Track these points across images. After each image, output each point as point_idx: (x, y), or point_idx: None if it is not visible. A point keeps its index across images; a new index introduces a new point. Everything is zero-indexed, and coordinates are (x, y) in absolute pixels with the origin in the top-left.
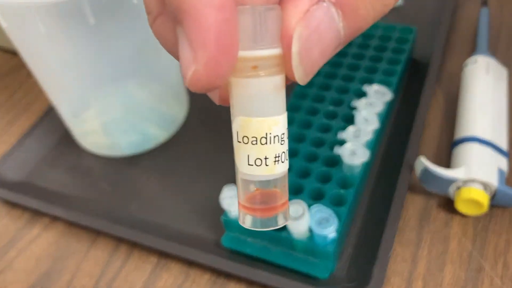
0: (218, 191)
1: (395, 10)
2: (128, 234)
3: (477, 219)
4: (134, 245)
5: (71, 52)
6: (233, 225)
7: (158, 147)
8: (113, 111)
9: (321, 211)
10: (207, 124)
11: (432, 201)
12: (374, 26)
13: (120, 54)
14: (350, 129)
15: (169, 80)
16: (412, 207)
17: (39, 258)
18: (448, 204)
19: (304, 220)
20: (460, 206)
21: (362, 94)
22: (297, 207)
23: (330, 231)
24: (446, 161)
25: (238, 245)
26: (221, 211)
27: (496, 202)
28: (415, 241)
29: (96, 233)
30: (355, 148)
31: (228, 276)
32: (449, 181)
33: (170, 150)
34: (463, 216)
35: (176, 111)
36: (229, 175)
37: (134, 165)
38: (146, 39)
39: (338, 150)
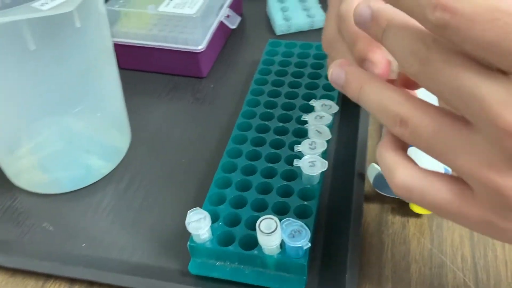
0: (175, 219)
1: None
2: (82, 273)
3: (430, 218)
4: (90, 284)
5: (8, 80)
6: (200, 250)
7: (102, 179)
8: (52, 144)
9: (292, 224)
10: (151, 153)
11: (386, 205)
12: (308, 45)
13: (61, 82)
14: (306, 142)
15: (112, 109)
16: (368, 213)
17: None
18: (401, 207)
19: (277, 234)
20: (415, 207)
21: (309, 109)
22: (270, 222)
23: (304, 242)
24: None
25: (207, 271)
26: (183, 238)
27: None
28: (378, 246)
29: (45, 277)
30: (313, 159)
31: None
32: None
33: (115, 181)
34: (417, 216)
35: (119, 142)
36: (181, 202)
37: (77, 200)
38: (89, 65)
39: (298, 162)
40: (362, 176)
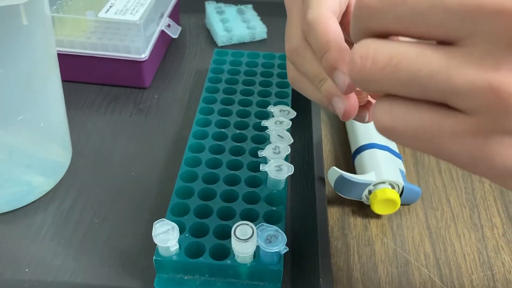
0: (131, 235)
1: (262, 42)
2: None
3: (390, 218)
4: None
5: None
6: (167, 264)
7: (43, 198)
8: None
9: (266, 229)
10: (95, 168)
11: (346, 208)
12: (255, 55)
13: (2, 87)
14: (269, 147)
15: (54, 120)
16: (330, 217)
17: None
18: (361, 209)
19: (253, 241)
20: (377, 208)
21: (265, 116)
22: (245, 228)
23: (282, 247)
24: (348, 170)
25: (175, 286)
26: (142, 254)
27: (403, 199)
28: (344, 249)
29: None
30: (279, 163)
31: None
32: (364, 186)
33: (59, 199)
34: (377, 217)
35: (61, 156)
36: (136, 217)
37: (16, 222)
38: (34, 70)
39: (264, 167)
40: (323, 180)
